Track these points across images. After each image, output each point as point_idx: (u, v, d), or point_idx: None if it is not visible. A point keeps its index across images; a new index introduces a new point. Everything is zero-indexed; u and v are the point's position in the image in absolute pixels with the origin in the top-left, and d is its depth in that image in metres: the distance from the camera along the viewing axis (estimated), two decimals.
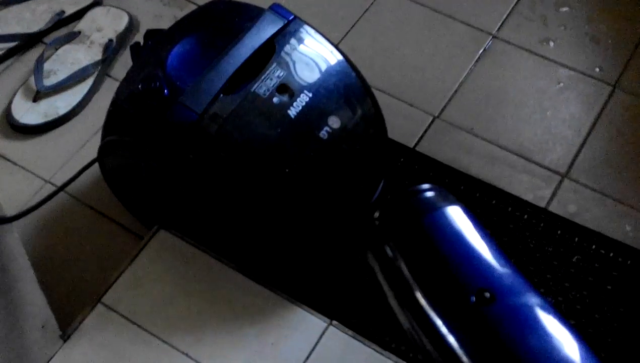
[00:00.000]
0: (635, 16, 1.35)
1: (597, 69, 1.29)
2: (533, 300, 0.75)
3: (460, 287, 0.73)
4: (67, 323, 0.98)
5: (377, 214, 0.80)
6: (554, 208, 1.13)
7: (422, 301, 0.75)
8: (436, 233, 0.77)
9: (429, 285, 0.75)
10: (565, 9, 1.36)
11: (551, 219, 1.10)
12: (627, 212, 1.12)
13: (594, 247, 1.08)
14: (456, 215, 0.80)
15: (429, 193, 0.81)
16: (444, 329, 0.74)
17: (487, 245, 0.77)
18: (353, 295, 1.02)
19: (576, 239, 1.08)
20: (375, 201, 0.98)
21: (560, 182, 1.16)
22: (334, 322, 0.98)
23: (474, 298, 0.72)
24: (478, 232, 0.79)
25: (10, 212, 1.09)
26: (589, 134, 1.21)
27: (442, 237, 0.77)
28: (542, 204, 1.13)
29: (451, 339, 0.73)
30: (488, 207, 1.12)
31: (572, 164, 1.18)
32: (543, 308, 0.75)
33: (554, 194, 1.14)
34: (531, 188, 1.15)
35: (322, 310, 0.99)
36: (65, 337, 0.96)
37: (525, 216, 1.11)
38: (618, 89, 1.26)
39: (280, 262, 1.01)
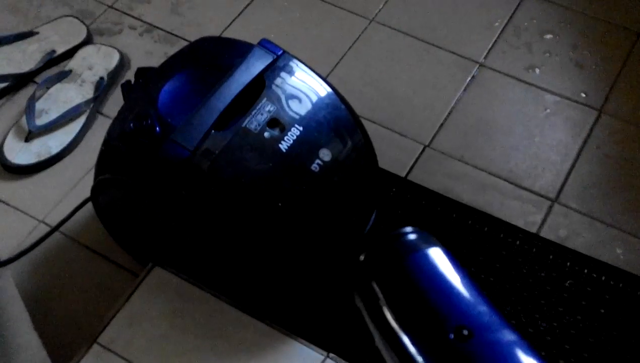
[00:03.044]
0: (618, 41, 1.37)
1: (583, 94, 1.30)
2: (509, 336, 0.78)
3: (439, 324, 0.77)
4: None
5: (362, 257, 0.82)
6: (545, 233, 1.14)
7: (404, 339, 0.77)
8: (417, 274, 0.81)
9: (411, 323, 0.78)
10: (549, 36, 1.39)
11: (543, 244, 1.11)
12: (617, 235, 1.13)
13: (585, 271, 1.08)
14: (437, 256, 0.83)
15: (411, 236, 0.85)
16: None
17: (466, 284, 0.81)
18: (349, 328, 1.02)
19: (568, 264, 1.09)
20: (368, 233, 0.99)
21: (551, 207, 1.17)
22: (331, 355, 0.98)
23: (452, 335, 0.74)
24: (457, 272, 0.82)
25: (3, 253, 1.09)
26: (576, 158, 1.22)
27: (423, 277, 0.80)
28: (534, 229, 1.14)
29: None
30: (480, 233, 1.13)
31: (561, 188, 1.19)
32: (519, 344, 0.77)
33: (544, 219, 1.15)
34: (522, 214, 1.16)
35: (319, 342, 0.99)
36: None
37: (517, 242, 1.12)
38: (603, 113, 1.28)
39: (275, 296, 1.01)
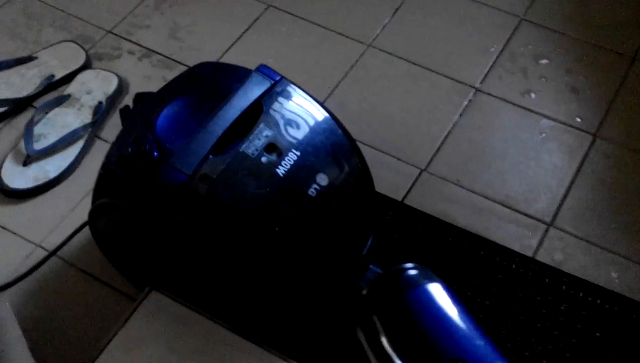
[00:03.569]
0: (612, 66, 1.39)
1: (578, 119, 1.31)
2: None
3: (436, 356, 0.81)
4: None
5: (364, 292, 0.85)
6: (540, 257, 1.14)
7: None
8: (416, 308, 0.86)
9: (410, 356, 0.82)
10: (544, 61, 1.40)
11: (538, 268, 1.12)
12: (612, 258, 1.14)
13: (581, 294, 1.09)
14: (436, 291, 0.88)
15: (412, 272, 0.89)
16: None
17: (463, 318, 0.85)
18: (346, 352, 1.03)
19: (563, 287, 1.10)
20: (365, 257, 0.99)
21: (546, 231, 1.17)
22: None
23: None
24: (455, 306, 0.87)
25: (0, 277, 1.09)
26: (572, 182, 1.23)
27: (422, 312, 0.86)
28: (529, 253, 1.14)
29: None
30: (476, 257, 1.13)
31: (557, 212, 1.20)
32: None
33: (540, 243, 1.16)
34: (518, 237, 1.16)
35: None
36: None
37: (513, 266, 1.12)
38: (598, 137, 1.29)
39: (273, 320, 1.01)
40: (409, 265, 0.90)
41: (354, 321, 0.88)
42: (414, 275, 0.89)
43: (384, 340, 0.84)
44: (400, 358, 0.82)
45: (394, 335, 0.84)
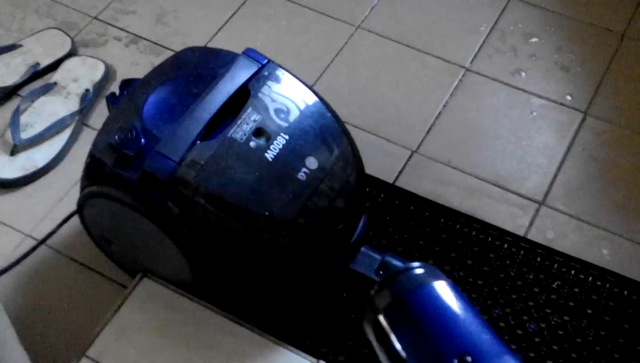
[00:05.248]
0: (602, 43, 1.38)
1: (568, 97, 1.31)
2: (510, 362, 0.83)
3: (444, 352, 0.84)
4: None
5: (372, 291, 0.91)
6: (532, 235, 1.14)
7: None
8: (423, 306, 0.89)
9: (418, 353, 0.86)
10: (534, 39, 1.39)
11: (530, 247, 1.12)
12: (603, 236, 1.14)
13: (573, 272, 1.09)
14: (441, 289, 0.91)
15: (418, 271, 0.93)
16: None
17: (469, 314, 0.92)
18: (339, 334, 1.03)
19: (555, 265, 1.10)
20: (357, 239, 0.99)
21: (538, 209, 1.17)
22: (321, 362, 0.98)
23: (456, 362, 0.79)
24: (461, 303, 0.91)
25: None
26: (563, 161, 1.23)
27: (428, 309, 0.89)
28: (521, 232, 1.14)
29: None
30: (468, 238, 1.13)
31: (548, 191, 1.19)
32: None
33: (532, 222, 1.16)
34: (510, 217, 1.16)
35: (309, 350, 0.99)
36: None
37: (505, 245, 1.12)
38: (589, 115, 1.28)
39: (265, 304, 1.01)
40: (415, 264, 0.93)
41: (362, 319, 0.91)
42: (420, 274, 0.92)
43: (392, 338, 0.86)
44: (409, 354, 0.85)
45: (402, 333, 0.87)
